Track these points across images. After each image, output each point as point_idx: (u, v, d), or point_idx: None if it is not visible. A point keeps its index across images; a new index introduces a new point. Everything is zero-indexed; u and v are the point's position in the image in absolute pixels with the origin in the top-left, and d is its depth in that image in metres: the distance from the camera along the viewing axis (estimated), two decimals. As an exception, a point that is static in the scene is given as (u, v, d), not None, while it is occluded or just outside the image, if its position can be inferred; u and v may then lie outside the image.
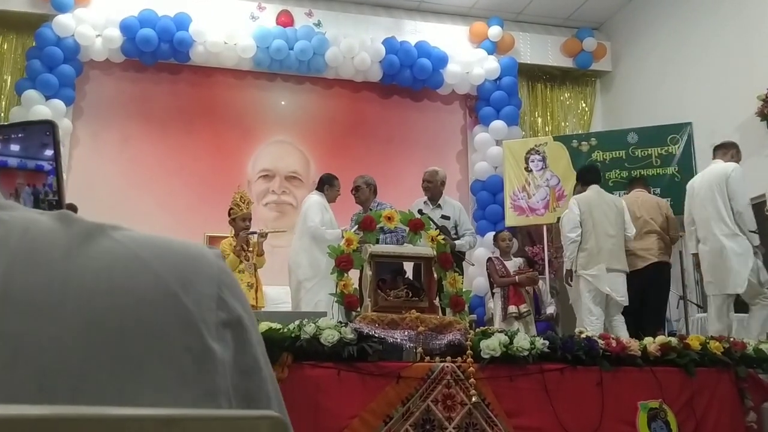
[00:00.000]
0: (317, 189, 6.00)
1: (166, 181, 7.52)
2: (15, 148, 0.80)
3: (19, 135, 0.75)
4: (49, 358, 0.40)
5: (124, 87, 7.70)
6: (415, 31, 8.32)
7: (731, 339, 3.57)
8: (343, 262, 3.06)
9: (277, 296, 6.06)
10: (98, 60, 7.40)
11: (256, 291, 5.29)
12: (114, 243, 0.46)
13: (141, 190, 7.36)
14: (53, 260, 0.43)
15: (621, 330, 4.96)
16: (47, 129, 0.74)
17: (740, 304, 5.15)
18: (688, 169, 6.77)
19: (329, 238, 5.43)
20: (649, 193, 6.15)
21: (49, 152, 0.77)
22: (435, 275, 3.16)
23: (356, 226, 3.30)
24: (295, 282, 5.74)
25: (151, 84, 7.78)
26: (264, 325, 2.68)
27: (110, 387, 0.41)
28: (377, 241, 4.73)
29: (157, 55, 7.44)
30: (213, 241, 6.78)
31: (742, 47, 6.88)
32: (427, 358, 2.85)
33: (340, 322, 2.83)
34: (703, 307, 6.43)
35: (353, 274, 3.22)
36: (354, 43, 7.68)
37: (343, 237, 5.38)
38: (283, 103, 8.17)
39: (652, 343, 3.35)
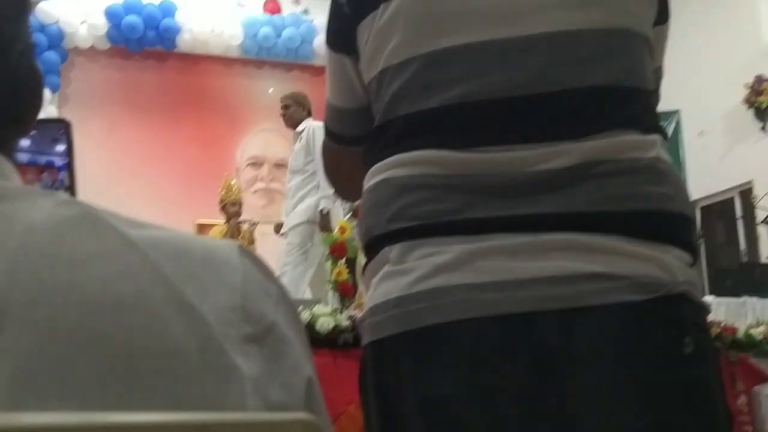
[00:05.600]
0: None
1: (153, 169, 7.47)
2: (25, 144, 0.80)
3: (32, 132, 0.75)
4: (52, 378, 0.36)
5: (110, 74, 7.62)
6: (403, 18, 8.28)
7: (722, 324, 3.60)
8: (336, 250, 3.07)
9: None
10: (83, 47, 7.31)
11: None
12: (126, 246, 0.41)
13: (128, 178, 7.31)
14: (56, 266, 0.39)
15: None
16: (62, 128, 0.74)
17: (731, 288, 5.21)
18: (675, 156, 6.81)
19: None
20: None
21: (60, 147, 0.77)
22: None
23: (350, 214, 3.30)
24: (281, 268, 5.74)
25: (137, 71, 7.70)
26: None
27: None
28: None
29: (143, 43, 7.36)
30: (203, 229, 6.76)
31: (730, 35, 6.91)
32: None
33: (335, 309, 2.83)
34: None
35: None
36: (342, 30, 7.64)
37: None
38: (271, 90, 8.11)
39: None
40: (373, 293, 0.85)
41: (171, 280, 0.41)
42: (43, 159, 0.78)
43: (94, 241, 0.41)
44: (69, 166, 0.77)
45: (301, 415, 0.35)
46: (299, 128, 4.90)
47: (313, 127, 4.74)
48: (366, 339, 0.85)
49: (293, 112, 5.00)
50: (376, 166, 0.89)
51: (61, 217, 0.41)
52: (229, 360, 0.41)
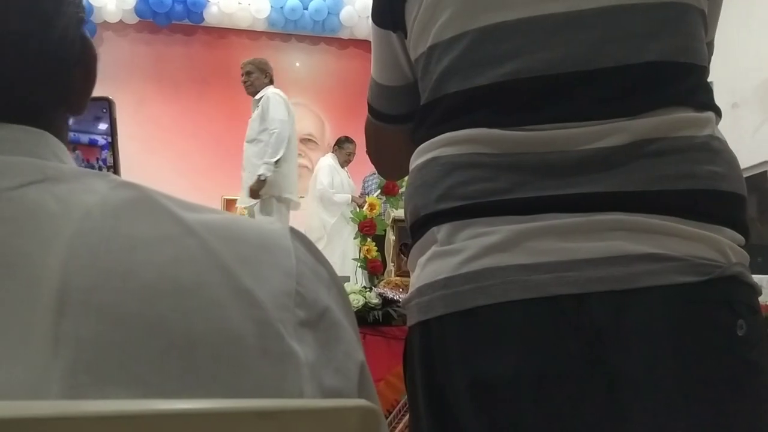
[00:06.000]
0: (332, 151, 6.04)
1: (181, 144, 7.51)
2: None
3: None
4: (111, 365, 0.36)
5: (139, 49, 7.65)
6: (431, -10, 8.18)
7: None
8: (366, 227, 3.06)
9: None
10: (112, 21, 7.32)
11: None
12: (182, 230, 0.41)
13: (157, 152, 7.35)
14: (114, 250, 0.38)
15: None
16: (104, 106, 0.73)
17: (762, 265, 5.11)
18: (708, 129, 6.68)
19: (337, 200, 5.43)
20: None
21: (103, 126, 0.77)
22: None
23: (379, 191, 3.29)
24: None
25: (165, 46, 7.72)
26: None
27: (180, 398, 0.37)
28: None
29: (171, 16, 7.37)
30: (230, 204, 6.79)
31: (765, 4, 6.73)
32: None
33: (365, 287, 2.84)
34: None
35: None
36: (369, 2, 7.55)
37: (352, 201, 5.38)
38: (297, 64, 8.09)
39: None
40: (420, 273, 0.83)
41: (228, 265, 0.41)
42: (85, 138, 0.77)
43: (151, 225, 0.40)
44: (112, 145, 0.76)
45: (361, 401, 0.35)
46: (258, 95, 4.78)
47: (269, 95, 4.63)
48: (413, 320, 0.83)
49: (255, 79, 4.86)
50: (424, 144, 0.87)
51: (117, 200, 0.41)
52: (286, 345, 0.40)
